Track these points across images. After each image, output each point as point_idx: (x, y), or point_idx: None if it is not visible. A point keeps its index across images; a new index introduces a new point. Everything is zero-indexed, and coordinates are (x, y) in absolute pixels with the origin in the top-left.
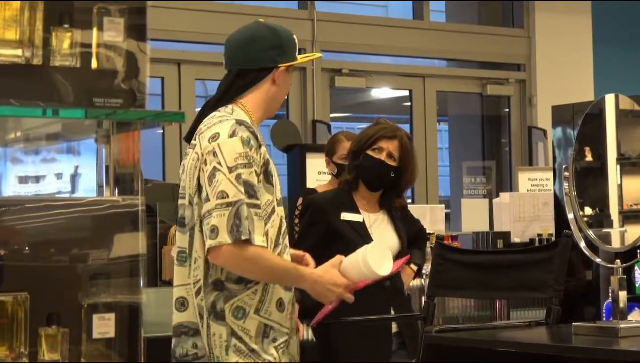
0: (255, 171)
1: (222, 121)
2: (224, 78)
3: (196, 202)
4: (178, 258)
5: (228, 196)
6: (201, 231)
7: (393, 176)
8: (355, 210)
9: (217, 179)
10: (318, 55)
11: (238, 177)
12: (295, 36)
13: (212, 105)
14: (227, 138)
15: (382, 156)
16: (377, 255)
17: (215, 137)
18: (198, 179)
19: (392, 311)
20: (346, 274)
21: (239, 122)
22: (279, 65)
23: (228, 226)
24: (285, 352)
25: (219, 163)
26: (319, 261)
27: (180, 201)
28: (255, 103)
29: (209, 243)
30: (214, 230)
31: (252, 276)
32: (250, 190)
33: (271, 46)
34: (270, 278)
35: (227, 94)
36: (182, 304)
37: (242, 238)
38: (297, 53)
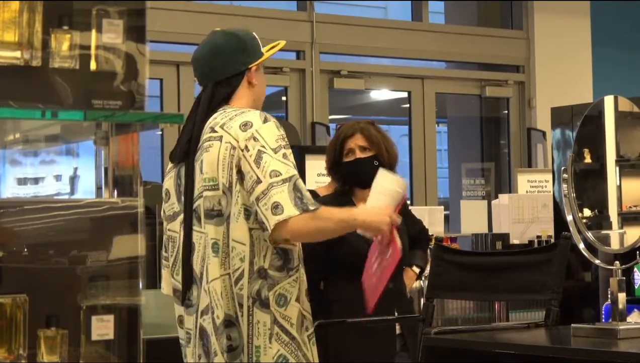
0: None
1: (243, 113)
2: (201, 95)
3: (238, 190)
4: (213, 249)
5: (281, 173)
6: (247, 217)
7: (376, 163)
8: None
9: (265, 161)
10: (282, 43)
11: (284, 156)
12: (254, 33)
13: (200, 120)
14: (262, 124)
15: (356, 155)
16: (390, 176)
17: (247, 125)
18: (238, 167)
19: (396, 314)
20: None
21: (263, 112)
22: (250, 66)
23: (291, 199)
24: (314, 343)
25: (263, 146)
26: (319, 264)
27: (208, 193)
28: (247, 106)
29: (274, 219)
30: (278, 206)
31: (326, 236)
32: (295, 167)
33: (235, 51)
34: (341, 227)
35: (211, 108)
36: (222, 296)
37: (311, 208)
38: (261, 48)
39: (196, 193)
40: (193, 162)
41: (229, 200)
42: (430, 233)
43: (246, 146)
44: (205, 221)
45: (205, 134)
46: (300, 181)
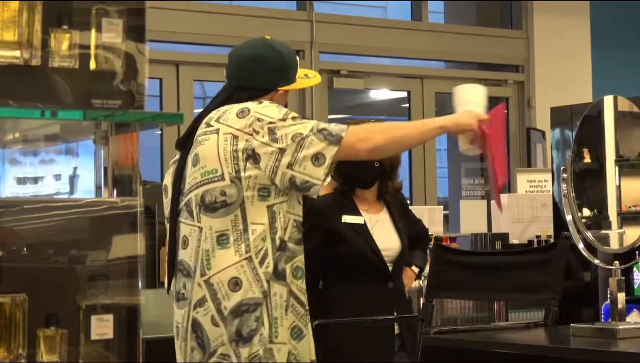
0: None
1: (238, 105)
2: (222, 89)
3: (248, 176)
4: (219, 242)
5: (301, 134)
6: (263, 197)
7: (377, 165)
8: (356, 212)
9: (280, 132)
10: (317, 79)
11: (294, 118)
12: (297, 58)
13: (205, 114)
14: (259, 105)
15: None
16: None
17: (244, 111)
18: (249, 154)
19: (395, 314)
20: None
21: None
22: (279, 89)
23: (327, 142)
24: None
25: (270, 122)
26: (321, 265)
27: (209, 186)
28: None
29: (331, 149)
30: (319, 157)
31: (408, 139)
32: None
33: (273, 69)
34: (415, 130)
35: (222, 106)
36: (236, 284)
37: (342, 134)
38: (296, 72)
39: (187, 186)
40: (186, 155)
41: (239, 187)
42: (429, 233)
43: (254, 130)
44: (204, 214)
45: (201, 129)
46: (319, 123)
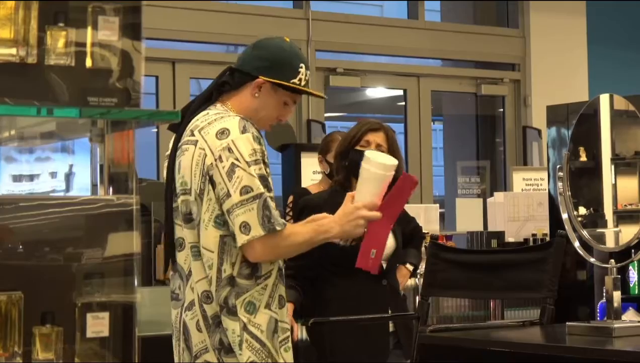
0: (265, 164)
1: (223, 118)
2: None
3: (209, 198)
4: (192, 253)
5: (252, 190)
6: (218, 225)
7: None
8: None
9: (238, 175)
10: (319, 93)
11: (257, 171)
12: (302, 65)
13: (195, 108)
14: (240, 134)
15: (371, 148)
16: (378, 155)
17: (224, 133)
18: (210, 176)
19: (389, 312)
20: (363, 193)
21: (244, 119)
22: (259, 76)
23: (259, 218)
24: (288, 348)
25: (237, 159)
26: (314, 260)
27: (183, 197)
28: (239, 110)
29: (242, 239)
30: (246, 226)
31: (294, 254)
32: (268, 184)
33: (264, 58)
34: (305, 246)
35: (211, 97)
36: (207, 297)
37: (278, 228)
38: (292, 78)
39: (178, 190)
40: (174, 155)
41: (199, 207)
42: (425, 231)
43: (220, 157)
44: (183, 224)
45: (185, 136)
46: (268, 199)
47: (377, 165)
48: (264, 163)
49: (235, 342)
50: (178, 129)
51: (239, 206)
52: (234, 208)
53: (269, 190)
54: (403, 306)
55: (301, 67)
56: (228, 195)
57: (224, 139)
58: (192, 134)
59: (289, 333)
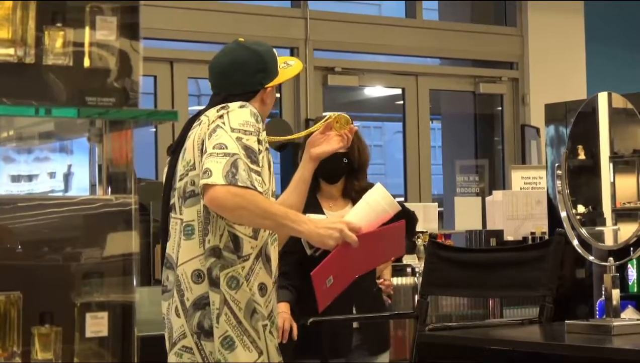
0: (259, 140)
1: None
2: (211, 98)
3: (200, 166)
4: (184, 232)
5: (226, 147)
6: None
7: (346, 161)
8: (319, 210)
9: (217, 134)
10: (299, 67)
11: (239, 139)
12: (274, 50)
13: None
14: (238, 108)
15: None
16: (385, 193)
17: (224, 108)
18: (202, 144)
19: (354, 309)
20: (355, 214)
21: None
22: (266, 86)
23: (223, 171)
24: (273, 332)
25: (223, 123)
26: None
27: (187, 177)
28: None
29: (202, 181)
30: (207, 171)
31: (249, 218)
32: (251, 155)
33: (256, 70)
34: (269, 220)
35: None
36: (198, 276)
37: (240, 184)
38: (278, 67)
39: (178, 174)
40: (178, 154)
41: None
42: (423, 230)
43: (213, 124)
44: (182, 205)
45: (199, 117)
46: (241, 162)
47: (384, 197)
48: (259, 142)
49: (214, 314)
50: (173, 154)
51: (208, 156)
52: (203, 159)
53: (254, 163)
54: (372, 304)
55: (275, 52)
56: (205, 152)
57: (222, 111)
58: (199, 120)
59: (267, 322)
